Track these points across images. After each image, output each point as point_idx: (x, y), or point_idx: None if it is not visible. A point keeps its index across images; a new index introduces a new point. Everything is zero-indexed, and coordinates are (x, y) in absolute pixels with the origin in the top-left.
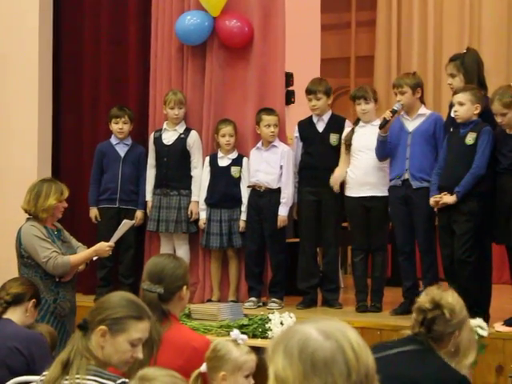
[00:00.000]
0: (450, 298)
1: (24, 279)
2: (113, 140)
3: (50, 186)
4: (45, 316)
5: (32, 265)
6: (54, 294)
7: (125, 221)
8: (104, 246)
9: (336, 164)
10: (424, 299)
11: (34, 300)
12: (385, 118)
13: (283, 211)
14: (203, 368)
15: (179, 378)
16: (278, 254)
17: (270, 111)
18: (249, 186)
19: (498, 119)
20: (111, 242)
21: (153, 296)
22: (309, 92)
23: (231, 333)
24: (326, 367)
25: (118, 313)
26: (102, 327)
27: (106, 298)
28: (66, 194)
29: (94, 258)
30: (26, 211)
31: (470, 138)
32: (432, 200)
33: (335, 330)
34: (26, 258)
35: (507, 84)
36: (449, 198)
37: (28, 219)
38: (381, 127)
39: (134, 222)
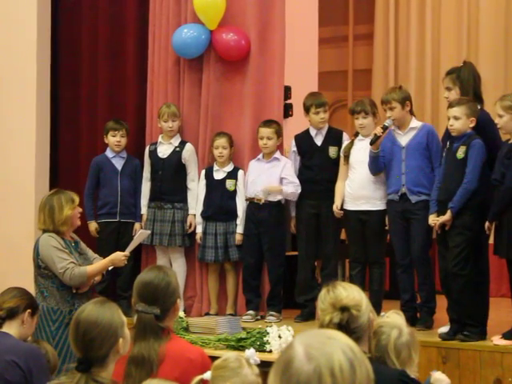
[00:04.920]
0: (344, 292)
1: (16, 291)
2: (108, 153)
3: (60, 198)
4: (59, 327)
5: (49, 275)
6: (69, 306)
7: (141, 231)
8: (120, 256)
9: (335, 177)
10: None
11: (29, 310)
12: (375, 134)
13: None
14: (207, 375)
15: None
16: (276, 268)
17: (266, 123)
18: (247, 199)
19: (496, 120)
20: (127, 252)
21: (149, 317)
22: (318, 105)
23: (247, 351)
24: None
25: None
26: None
27: None
28: (77, 199)
29: (110, 268)
30: (44, 231)
31: (460, 152)
32: (430, 221)
33: (321, 352)
34: (42, 269)
35: None
36: (445, 217)
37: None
38: (371, 143)
39: (149, 232)
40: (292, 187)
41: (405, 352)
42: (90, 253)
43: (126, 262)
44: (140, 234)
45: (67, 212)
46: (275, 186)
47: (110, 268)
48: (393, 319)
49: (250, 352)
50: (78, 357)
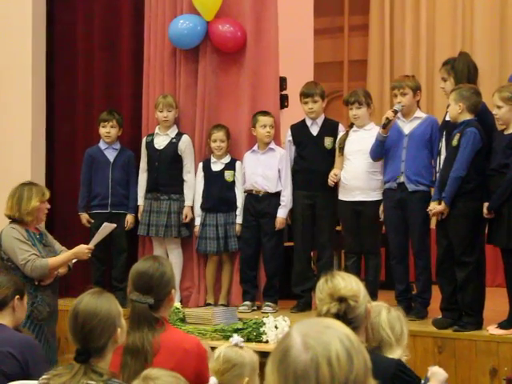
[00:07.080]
0: (342, 282)
1: None
2: (101, 145)
3: (31, 189)
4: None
5: (12, 267)
6: (32, 298)
7: (105, 224)
8: (83, 249)
9: (330, 167)
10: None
11: (17, 296)
12: (387, 118)
13: (282, 213)
14: (213, 382)
15: (182, 379)
16: (275, 259)
17: (265, 113)
18: (245, 191)
19: (494, 111)
20: (91, 245)
21: (143, 307)
22: (305, 95)
23: (232, 339)
24: (295, 382)
25: None
26: None
27: None
28: (48, 194)
29: (74, 261)
30: (9, 217)
31: (455, 140)
32: (430, 208)
33: (318, 342)
34: (5, 261)
35: None
36: (439, 207)
37: (10, 222)
38: (384, 127)
39: (114, 225)
40: (285, 201)
41: (398, 326)
42: (58, 245)
43: (90, 255)
44: (104, 227)
45: (35, 203)
46: (279, 221)
47: (73, 261)
48: (378, 303)
49: (235, 339)
50: (77, 348)
